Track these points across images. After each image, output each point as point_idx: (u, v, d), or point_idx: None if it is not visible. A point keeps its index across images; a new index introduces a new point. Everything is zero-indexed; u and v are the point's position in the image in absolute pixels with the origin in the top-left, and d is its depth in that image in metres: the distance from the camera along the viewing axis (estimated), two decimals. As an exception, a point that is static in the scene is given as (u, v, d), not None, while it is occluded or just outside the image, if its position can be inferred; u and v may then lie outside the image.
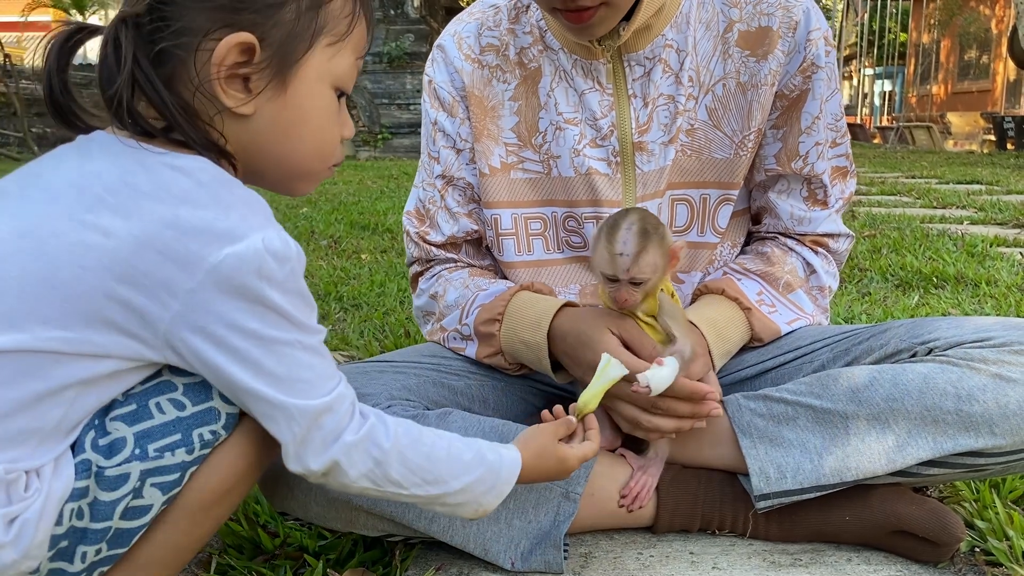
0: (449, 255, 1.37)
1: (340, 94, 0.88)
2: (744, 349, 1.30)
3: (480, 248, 1.39)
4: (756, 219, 1.39)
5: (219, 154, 0.81)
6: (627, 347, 1.11)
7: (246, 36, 0.78)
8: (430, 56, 1.35)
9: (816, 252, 1.34)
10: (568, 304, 1.22)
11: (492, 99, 1.30)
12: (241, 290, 0.75)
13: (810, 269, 1.33)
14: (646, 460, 1.17)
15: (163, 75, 0.78)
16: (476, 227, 1.34)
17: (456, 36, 1.32)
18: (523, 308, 1.23)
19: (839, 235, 1.34)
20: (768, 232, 1.36)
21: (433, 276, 1.37)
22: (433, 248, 1.37)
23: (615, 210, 1.25)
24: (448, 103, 1.31)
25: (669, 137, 1.25)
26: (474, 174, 1.33)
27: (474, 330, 1.26)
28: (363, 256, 3.65)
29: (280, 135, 0.84)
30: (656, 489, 1.17)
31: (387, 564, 1.13)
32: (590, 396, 1.04)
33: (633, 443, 1.20)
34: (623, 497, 1.15)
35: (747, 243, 1.40)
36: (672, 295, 1.12)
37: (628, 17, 1.16)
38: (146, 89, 0.78)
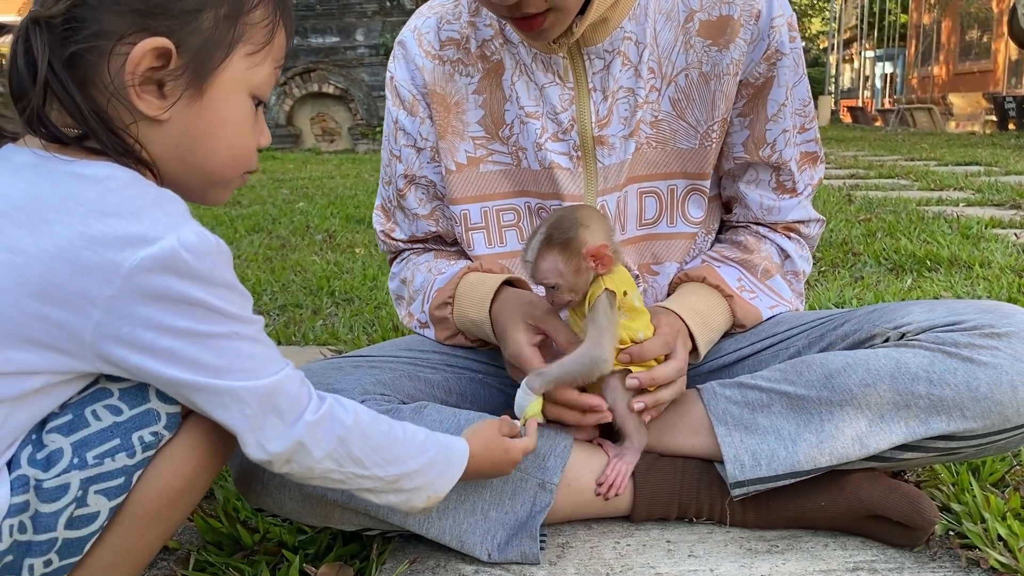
0: (415, 246, 1.41)
1: (257, 102, 0.88)
2: (722, 336, 1.30)
3: (447, 240, 1.41)
4: (727, 207, 1.39)
5: (137, 161, 0.80)
6: (545, 335, 1.16)
7: (162, 41, 0.77)
8: (392, 52, 1.34)
9: (789, 238, 1.34)
10: (509, 282, 1.25)
11: (455, 95, 1.29)
12: (163, 291, 0.74)
13: (784, 254, 1.34)
14: (622, 449, 1.17)
15: (75, 80, 0.77)
16: (435, 228, 1.37)
17: (416, 32, 1.31)
18: (469, 289, 1.25)
19: (810, 220, 1.35)
20: (739, 221, 1.37)
21: (402, 260, 1.42)
22: (399, 243, 1.41)
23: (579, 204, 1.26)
24: (408, 101, 1.31)
25: (629, 130, 1.24)
26: (437, 172, 1.33)
27: (430, 316, 1.30)
28: (357, 250, 3.65)
29: (196, 142, 0.83)
30: (633, 478, 1.17)
31: (364, 558, 1.13)
32: (527, 412, 1.09)
33: (610, 433, 1.20)
34: (599, 486, 1.16)
35: (719, 231, 1.41)
36: (625, 293, 1.10)
37: (582, 12, 1.15)
38: (59, 94, 0.76)
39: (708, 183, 1.29)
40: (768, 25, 1.22)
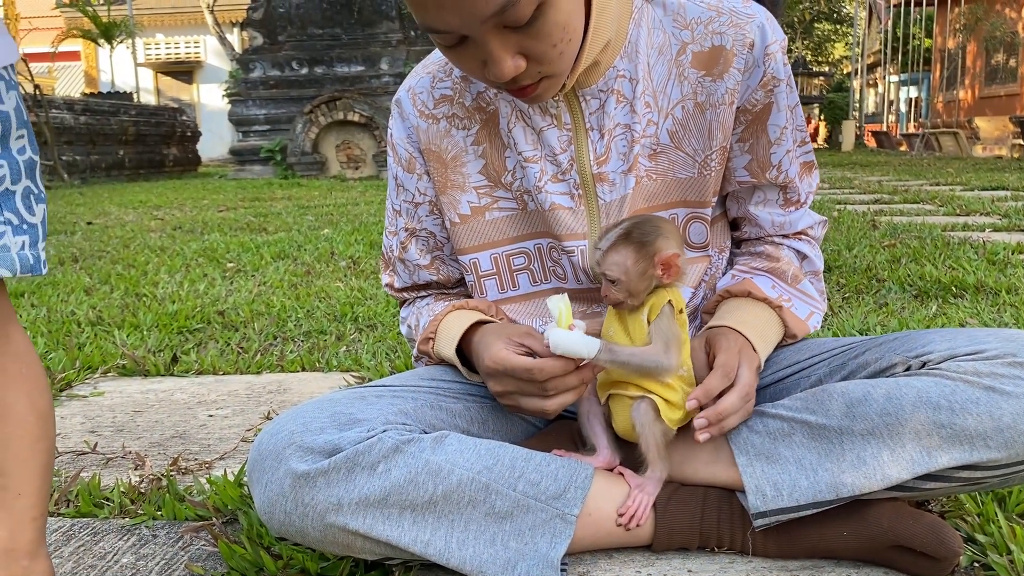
0: (414, 294, 1.46)
1: None
2: None
3: (447, 286, 1.46)
4: (735, 225, 1.42)
5: None
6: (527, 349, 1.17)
7: None
8: (392, 110, 1.38)
9: (801, 239, 1.38)
10: (483, 322, 1.28)
11: (452, 150, 1.32)
12: None
13: (802, 256, 1.37)
14: (643, 479, 1.17)
15: None
16: (435, 277, 1.42)
17: (411, 91, 1.34)
18: (449, 326, 1.31)
19: (815, 224, 1.39)
20: (751, 237, 1.39)
21: (410, 304, 1.46)
22: (402, 294, 1.46)
23: (581, 243, 1.28)
24: (405, 159, 1.35)
25: (628, 165, 1.26)
26: (436, 224, 1.38)
27: (418, 349, 1.37)
28: (381, 276, 3.67)
29: None
30: (654, 508, 1.17)
31: (386, 585, 1.14)
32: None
33: (631, 462, 1.20)
34: (620, 516, 1.16)
35: (733, 246, 1.43)
36: (681, 311, 1.13)
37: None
38: None
39: (709, 211, 1.30)
40: (763, 53, 1.23)
